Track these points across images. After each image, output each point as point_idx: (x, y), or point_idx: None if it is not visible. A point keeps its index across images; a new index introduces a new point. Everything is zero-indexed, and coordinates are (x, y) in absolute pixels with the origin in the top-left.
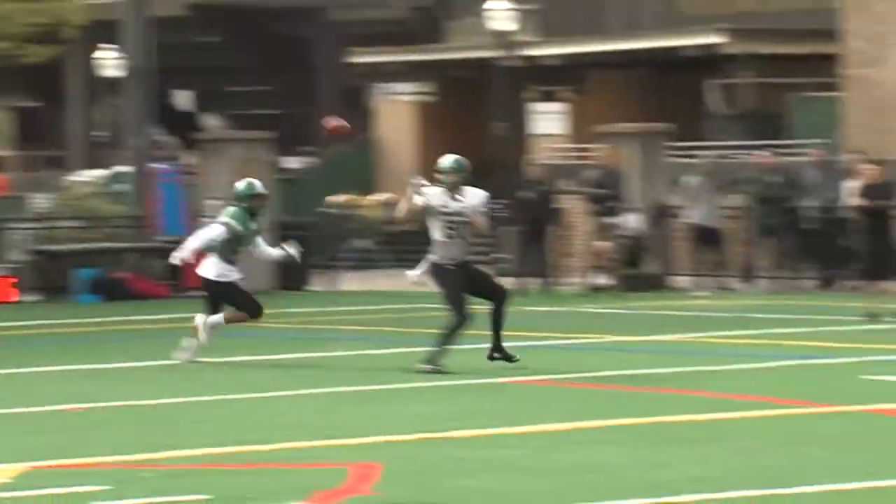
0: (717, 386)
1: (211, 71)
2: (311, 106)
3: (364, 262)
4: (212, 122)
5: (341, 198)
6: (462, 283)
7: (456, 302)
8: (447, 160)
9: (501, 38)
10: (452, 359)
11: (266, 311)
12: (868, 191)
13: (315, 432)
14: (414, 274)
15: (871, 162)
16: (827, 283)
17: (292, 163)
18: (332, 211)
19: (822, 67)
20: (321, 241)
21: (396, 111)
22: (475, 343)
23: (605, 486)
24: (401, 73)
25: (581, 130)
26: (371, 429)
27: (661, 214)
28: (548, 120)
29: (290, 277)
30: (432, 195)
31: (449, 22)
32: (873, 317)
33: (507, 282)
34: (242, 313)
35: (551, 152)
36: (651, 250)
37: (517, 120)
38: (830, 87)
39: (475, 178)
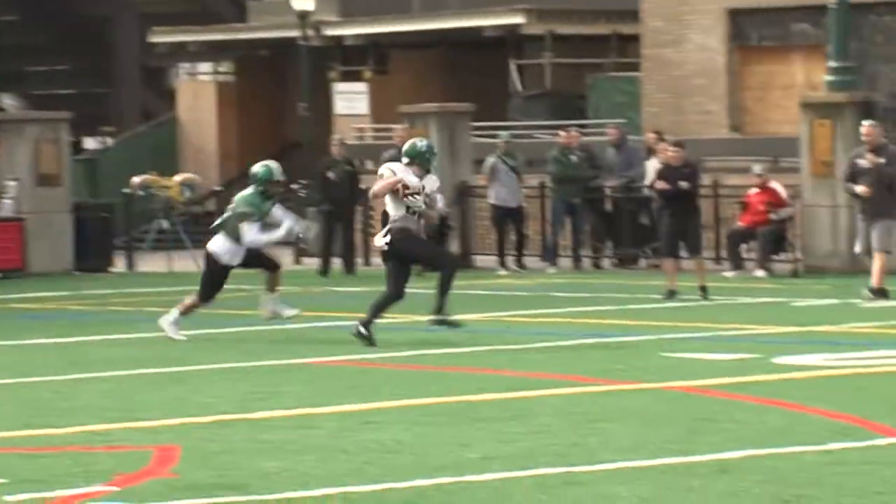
0: (519, 365)
1: (8, 50)
2: (110, 86)
3: (165, 243)
4: (9, 103)
5: (142, 178)
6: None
7: (435, 253)
8: (425, 143)
9: (303, 18)
10: (261, 340)
11: (65, 292)
12: (666, 171)
13: (119, 414)
14: (381, 240)
15: (672, 143)
16: (627, 262)
17: (91, 143)
18: (133, 191)
19: (623, 48)
20: (121, 221)
21: (198, 91)
22: (280, 324)
23: (407, 465)
24: (202, 52)
25: (384, 110)
26: (174, 410)
27: (463, 194)
28: (351, 100)
29: (90, 258)
30: (402, 171)
31: (251, 1)
32: (671, 295)
33: (310, 262)
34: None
35: (355, 132)
36: (454, 230)
37: (320, 100)
38: (631, 67)
39: (277, 159)
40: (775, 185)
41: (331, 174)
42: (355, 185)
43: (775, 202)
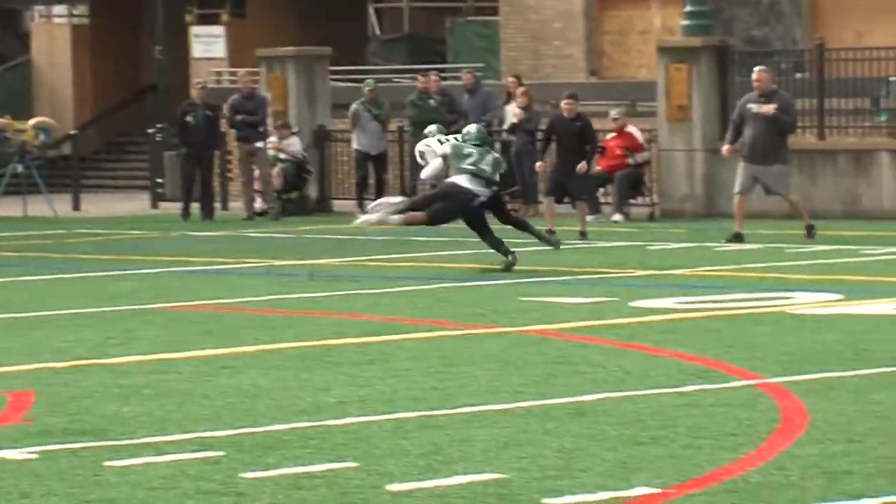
0: (377, 309)
1: None
2: None
3: (20, 187)
4: None
5: None
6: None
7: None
8: (475, 129)
9: None
10: (118, 285)
11: None
12: (558, 123)
13: None
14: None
15: (566, 96)
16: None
17: None
18: None
19: None
20: None
21: (52, 34)
22: (143, 268)
23: (264, 410)
24: None
25: (242, 54)
26: (29, 356)
27: (322, 138)
28: (208, 43)
29: None
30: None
31: None
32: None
33: (167, 206)
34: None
35: (213, 76)
36: (313, 174)
37: (177, 43)
38: (490, 11)
39: (134, 103)
40: (632, 129)
41: (189, 118)
42: (214, 130)
43: (632, 146)
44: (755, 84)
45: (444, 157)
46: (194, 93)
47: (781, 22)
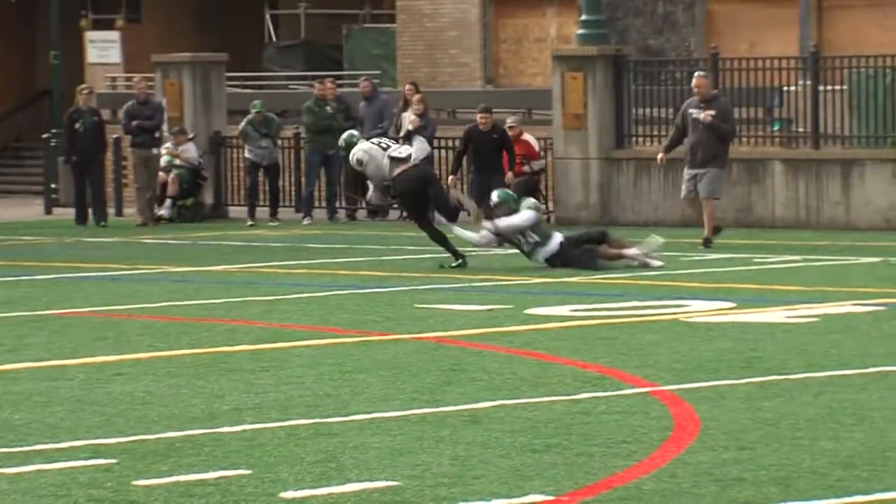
0: (272, 316)
1: None
2: None
3: None
4: None
5: None
6: None
7: None
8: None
9: None
10: (8, 290)
11: None
12: (476, 135)
13: None
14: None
15: (480, 109)
16: (381, 214)
17: None
18: None
19: None
20: None
21: None
22: (36, 273)
23: (158, 417)
24: None
25: (138, 60)
26: None
27: (217, 144)
28: (103, 48)
29: None
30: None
31: None
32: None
33: (61, 212)
34: None
35: (108, 81)
36: (208, 180)
37: (72, 48)
38: (387, 18)
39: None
40: (528, 137)
41: (78, 125)
42: (102, 135)
43: (528, 154)
44: (695, 90)
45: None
46: (80, 98)
47: (676, 32)
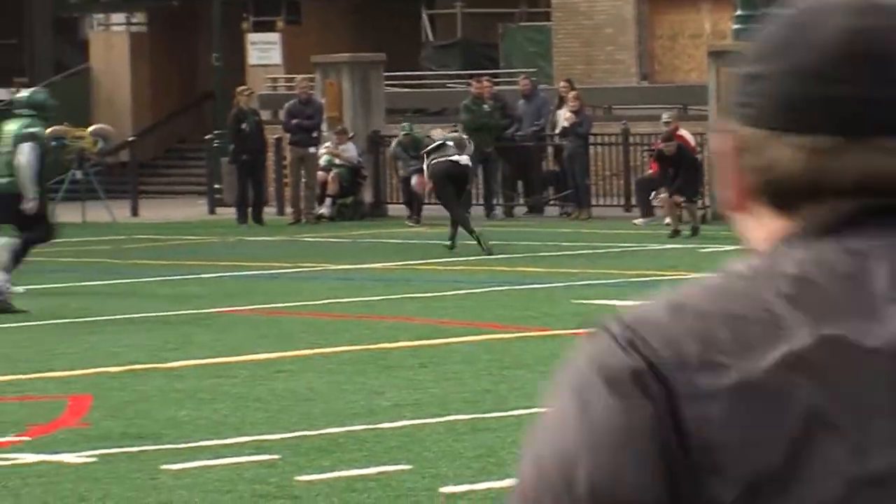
0: (430, 313)
1: None
2: (23, 37)
3: (78, 193)
4: None
5: (54, 128)
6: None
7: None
8: None
9: None
10: (174, 289)
11: None
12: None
13: (32, 365)
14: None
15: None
16: (538, 210)
17: (4, 94)
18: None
19: None
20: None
21: (111, 42)
22: (200, 273)
23: (319, 413)
24: (115, 3)
25: (298, 61)
26: (87, 361)
27: (377, 143)
28: (264, 50)
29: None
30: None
31: None
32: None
33: (223, 212)
34: None
35: (267, 83)
36: (367, 179)
37: (233, 51)
38: (542, 16)
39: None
40: (684, 132)
41: (244, 125)
42: (263, 136)
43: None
44: None
45: None
46: (242, 100)
47: None
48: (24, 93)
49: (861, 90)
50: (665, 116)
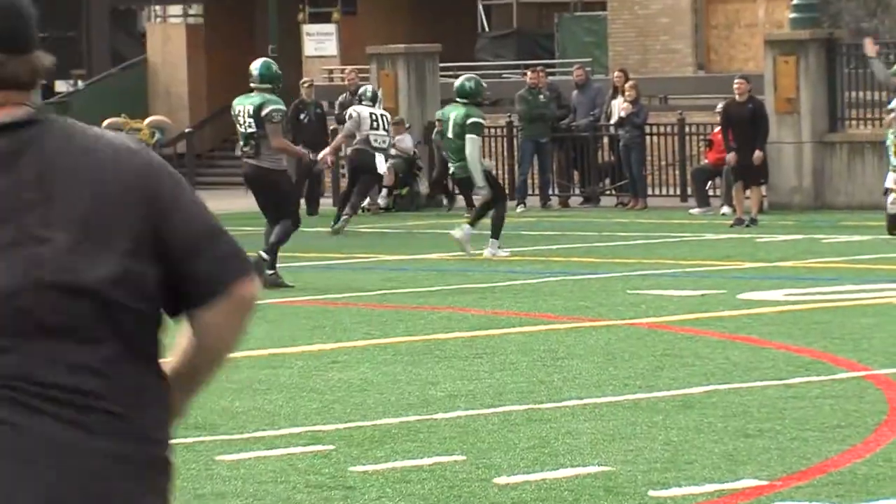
0: (484, 303)
1: None
2: (80, 29)
3: None
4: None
5: (111, 120)
6: None
7: None
8: None
9: None
10: None
11: None
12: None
13: None
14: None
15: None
16: (593, 200)
17: (62, 86)
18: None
19: None
20: None
21: (167, 34)
22: None
23: (374, 404)
24: None
25: (354, 51)
26: None
27: (432, 134)
28: (320, 41)
29: None
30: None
31: None
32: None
33: None
34: None
35: (325, 74)
36: (423, 169)
37: (289, 42)
38: (597, 6)
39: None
40: None
41: (303, 116)
42: (325, 127)
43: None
44: None
45: None
46: (303, 91)
47: (890, 14)
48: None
49: None
50: (720, 106)
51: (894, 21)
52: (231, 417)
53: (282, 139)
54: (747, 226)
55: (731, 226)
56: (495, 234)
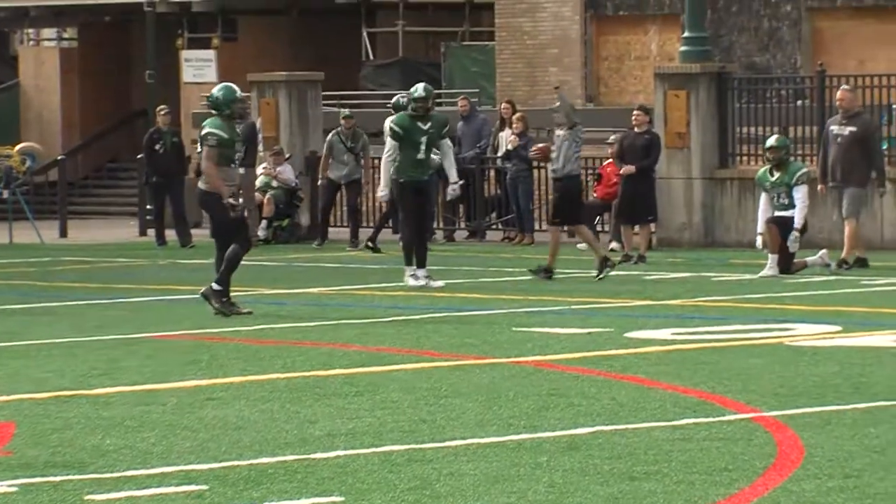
0: (366, 339)
1: None
2: None
3: (5, 214)
4: None
5: None
6: None
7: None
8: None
9: None
10: (102, 313)
11: None
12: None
13: None
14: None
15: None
16: (478, 234)
17: None
18: None
19: (478, 16)
20: None
21: (41, 57)
22: (130, 296)
23: (252, 442)
24: (45, 18)
25: (234, 78)
26: (10, 386)
27: (314, 165)
28: (199, 68)
29: None
30: None
31: None
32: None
33: (153, 234)
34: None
35: (202, 101)
36: (304, 201)
37: (167, 68)
38: (485, 36)
39: (123, 128)
40: None
41: (158, 146)
42: (182, 156)
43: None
44: (837, 104)
45: None
46: (160, 119)
47: (782, 49)
48: None
49: None
50: (611, 139)
51: (787, 56)
52: (101, 455)
53: (209, 164)
54: (635, 263)
55: (619, 262)
56: (409, 261)
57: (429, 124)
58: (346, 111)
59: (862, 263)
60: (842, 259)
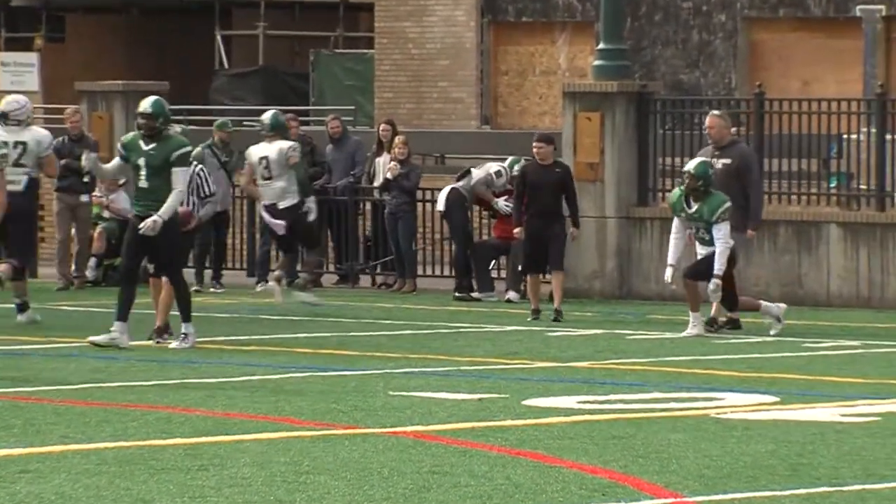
0: (215, 403)
1: None
2: None
3: None
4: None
5: None
6: None
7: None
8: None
9: None
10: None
11: None
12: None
13: None
14: None
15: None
16: (351, 280)
17: None
18: None
19: (354, 19)
20: None
21: None
22: None
23: None
24: None
25: (60, 87)
26: None
27: None
28: (18, 73)
29: None
30: None
31: None
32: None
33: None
34: None
35: None
36: None
37: None
38: (363, 42)
39: None
40: None
41: None
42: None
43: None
44: (707, 133)
45: None
46: None
47: (714, 66)
48: None
49: None
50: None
51: (719, 74)
52: None
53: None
54: (555, 320)
55: (530, 320)
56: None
57: (153, 145)
58: (224, 120)
59: (734, 325)
60: (711, 318)
